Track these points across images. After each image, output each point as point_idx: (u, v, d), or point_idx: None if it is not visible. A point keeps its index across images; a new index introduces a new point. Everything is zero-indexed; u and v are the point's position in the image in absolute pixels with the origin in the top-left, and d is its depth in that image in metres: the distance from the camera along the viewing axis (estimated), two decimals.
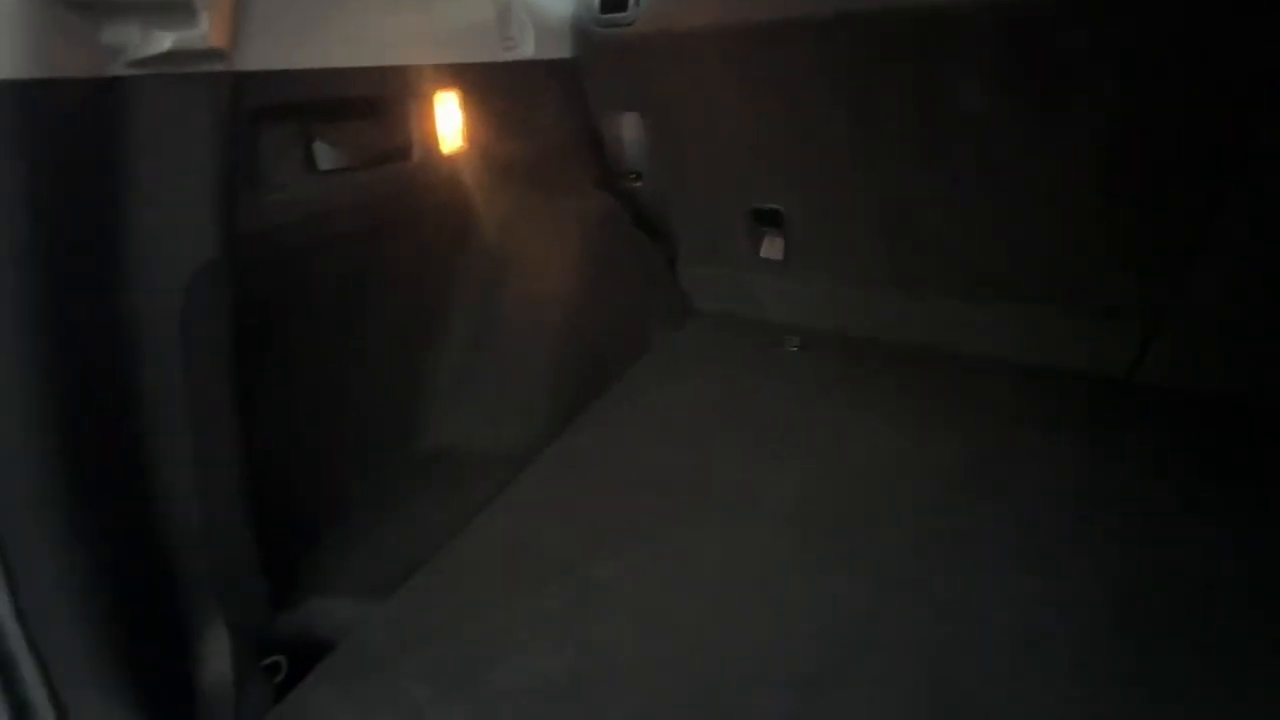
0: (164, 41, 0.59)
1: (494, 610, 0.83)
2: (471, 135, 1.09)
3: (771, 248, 1.42)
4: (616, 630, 0.79)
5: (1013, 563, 0.84)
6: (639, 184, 1.43)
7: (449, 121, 1.05)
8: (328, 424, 0.96)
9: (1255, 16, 0.76)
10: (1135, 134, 0.90)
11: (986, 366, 1.28)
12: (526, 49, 1.18)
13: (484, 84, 1.09)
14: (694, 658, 0.75)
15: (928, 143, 1.06)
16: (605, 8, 1.18)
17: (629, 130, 1.34)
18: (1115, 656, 0.71)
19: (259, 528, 0.76)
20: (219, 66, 0.67)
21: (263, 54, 0.75)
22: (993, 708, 0.67)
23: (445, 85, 1.03)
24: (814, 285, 1.44)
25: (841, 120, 1.12)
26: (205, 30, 0.62)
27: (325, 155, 0.88)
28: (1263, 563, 0.81)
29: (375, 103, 0.93)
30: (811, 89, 1.10)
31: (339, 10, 0.86)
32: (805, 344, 1.46)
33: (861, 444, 1.10)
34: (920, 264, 1.26)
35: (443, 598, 0.87)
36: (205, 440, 0.68)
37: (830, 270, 1.39)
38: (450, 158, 1.06)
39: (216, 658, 0.72)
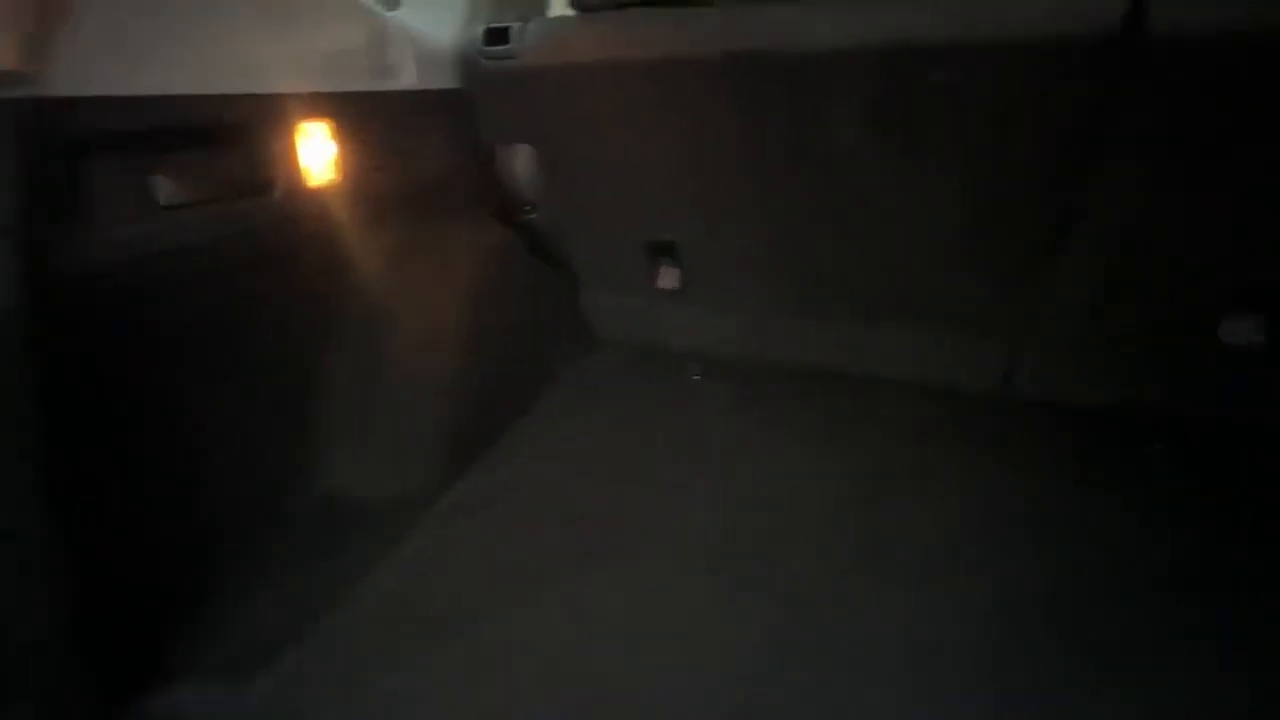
0: None
1: (376, 683, 0.76)
2: (347, 167, 1.03)
3: (668, 277, 1.43)
4: (516, 694, 0.74)
5: (921, 578, 0.88)
6: (535, 215, 1.40)
7: (319, 153, 0.98)
8: (179, 488, 0.85)
9: (1081, 78, 0.85)
10: (990, 167, 0.99)
11: (879, 385, 1.35)
12: (408, 78, 1.14)
13: (360, 113, 1.04)
14: (602, 715, 0.71)
15: (811, 174, 1.11)
16: (488, 40, 1.16)
17: (522, 162, 1.32)
18: (1016, 664, 0.74)
19: (88, 612, 0.66)
20: (20, 92, 0.59)
21: (92, 78, 0.67)
22: None
23: (314, 114, 0.96)
24: (712, 313, 1.46)
25: (731, 153, 1.15)
26: None
27: (167, 190, 0.79)
28: (1140, 567, 0.88)
29: (229, 133, 0.85)
30: (700, 123, 1.12)
31: (188, 33, 0.78)
32: (707, 371, 1.48)
33: (765, 469, 1.12)
34: (812, 289, 1.31)
35: (320, 672, 0.78)
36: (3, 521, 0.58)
37: (727, 298, 1.42)
38: (321, 191, 0.99)
39: None
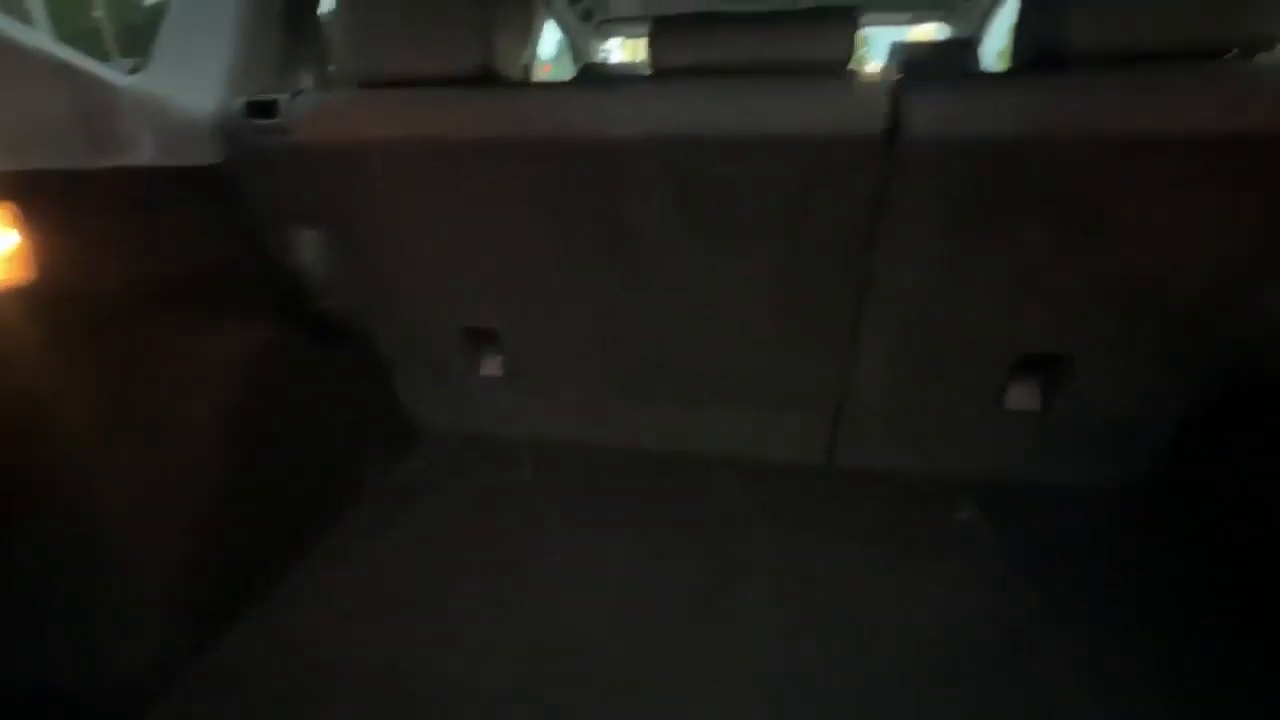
0: None
1: None
2: (54, 262, 0.81)
3: (491, 364, 1.32)
4: None
5: (762, 659, 0.88)
6: (330, 304, 1.23)
7: (6, 245, 0.76)
8: None
9: (857, 175, 0.89)
10: (788, 253, 1.01)
11: (712, 465, 1.33)
12: (147, 153, 0.95)
13: (76, 196, 0.83)
14: None
15: (624, 260, 1.08)
16: (251, 113, 1.01)
17: (310, 246, 1.15)
18: None
19: None
20: None
21: None
22: None
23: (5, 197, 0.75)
24: (539, 400, 1.37)
25: (541, 238, 1.08)
26: None
27: None
28: (968, 628, 0.89)
29: None
30: (506, 208, 1.05)
31: None
32: (537, 462, 1.37)
33: (595, 570, 1.04)
34: (639, 372, 1.26)
35: None
36: None
37: (554, 384, 1.33)
38: (16, 294, 0.77)
39: None
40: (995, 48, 2.54)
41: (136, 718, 0.81)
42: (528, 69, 2.54)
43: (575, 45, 2.81)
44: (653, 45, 0.94)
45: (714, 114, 0.89)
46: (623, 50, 3.62)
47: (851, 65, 0.91)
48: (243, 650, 0.92)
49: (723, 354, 1.17)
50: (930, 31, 2.82)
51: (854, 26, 0.89)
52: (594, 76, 1.80)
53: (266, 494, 1.08)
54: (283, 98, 1.00)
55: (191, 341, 1.01)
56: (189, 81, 1.05)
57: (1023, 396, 1.12)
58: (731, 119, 0.89)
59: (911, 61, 1.84)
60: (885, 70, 2.03)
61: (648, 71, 0.99)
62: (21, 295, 0.78)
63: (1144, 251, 0.88)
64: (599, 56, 2.96)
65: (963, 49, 1.81)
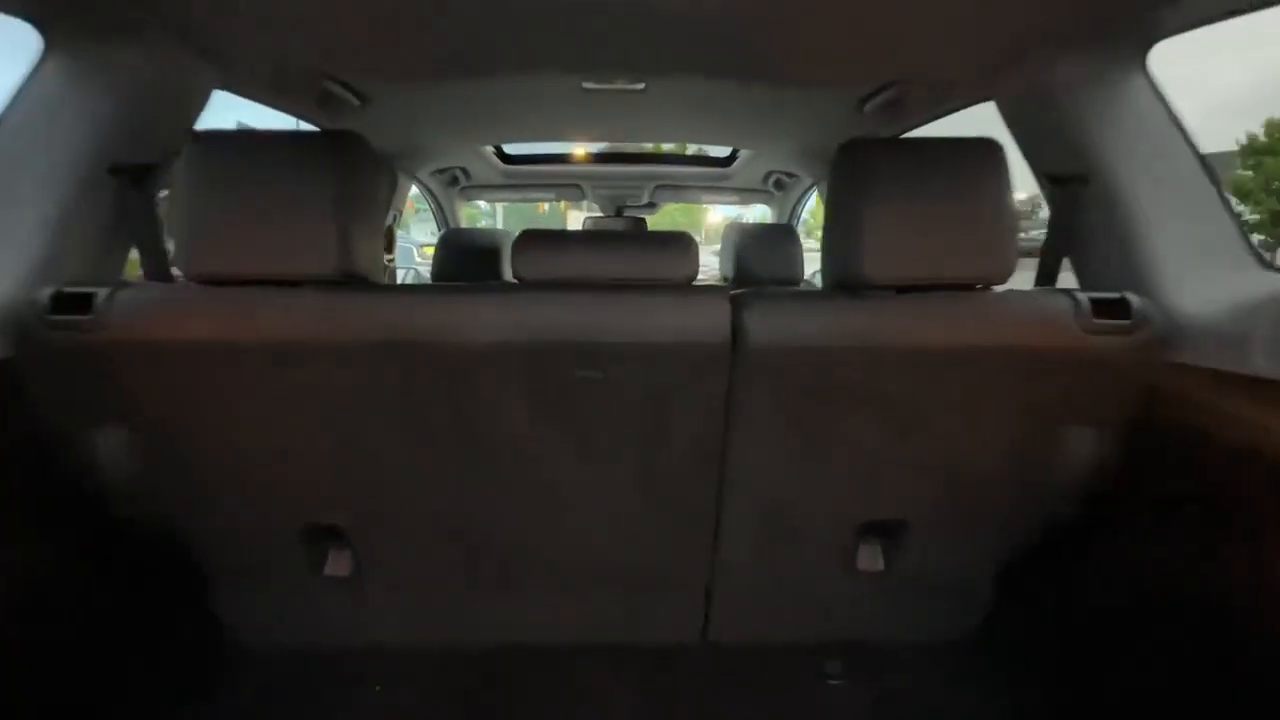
0: None
1: None
2: None
3: (337, 563, 1.17)
4: None
5: None
6: (136, 511, 1.05)
7: None
8: None
9: (706, 377, 0.97)
10: (647, 448, 1.05)
11: (587, 653, 1.25)
12: None
13: None
14: None
15: (485, 457, 1.05)
16: (60, 307, 0.90)
17: (118, 449, 0.99)
18: None
19: None
20: None
21: None
22: None
23: None
24: (392, 600, 1.23)
25: (396, 436, 1.03)
26: None
27: None
28: None
29: None
30: (362, 409, 0.99)
31: None
32: (389, 675, 1.20)
33: None
34: (503, 564, 1.20)
35: None
36: None
37: (412, 580, 1.21)
38: None
39: None
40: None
41: None
42: (389, 266, 2.56)
43: (440, 210, 2.91)
44: (515, 258, 1.00)
45: (572, 323, 0.95)
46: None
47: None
48: None
49: (591, 544, 1.15)
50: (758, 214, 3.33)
51: (696, 249, 1.02)
52: (450, 284, 1.80)
53: None
54: (100, 291, 0.90)
55: None
56: None
57: (869, 558, 1.21)
58: (589, 328, 0.95)
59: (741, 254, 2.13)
60: (723, 250, 2.34)
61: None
62: None
63: (945, 438, 1.04)
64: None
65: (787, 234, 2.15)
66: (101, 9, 0.98)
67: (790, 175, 2.55)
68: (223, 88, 1.26)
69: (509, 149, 2.63)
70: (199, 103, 1.20)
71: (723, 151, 2.64)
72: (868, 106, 1.52)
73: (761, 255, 2.10)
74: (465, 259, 2.15)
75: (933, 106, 1.49)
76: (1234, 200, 19.07)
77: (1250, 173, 18.76)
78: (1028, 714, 1.14)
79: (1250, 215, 18.75)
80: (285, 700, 1.16)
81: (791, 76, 1.41)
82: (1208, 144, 1.09)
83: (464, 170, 2.69)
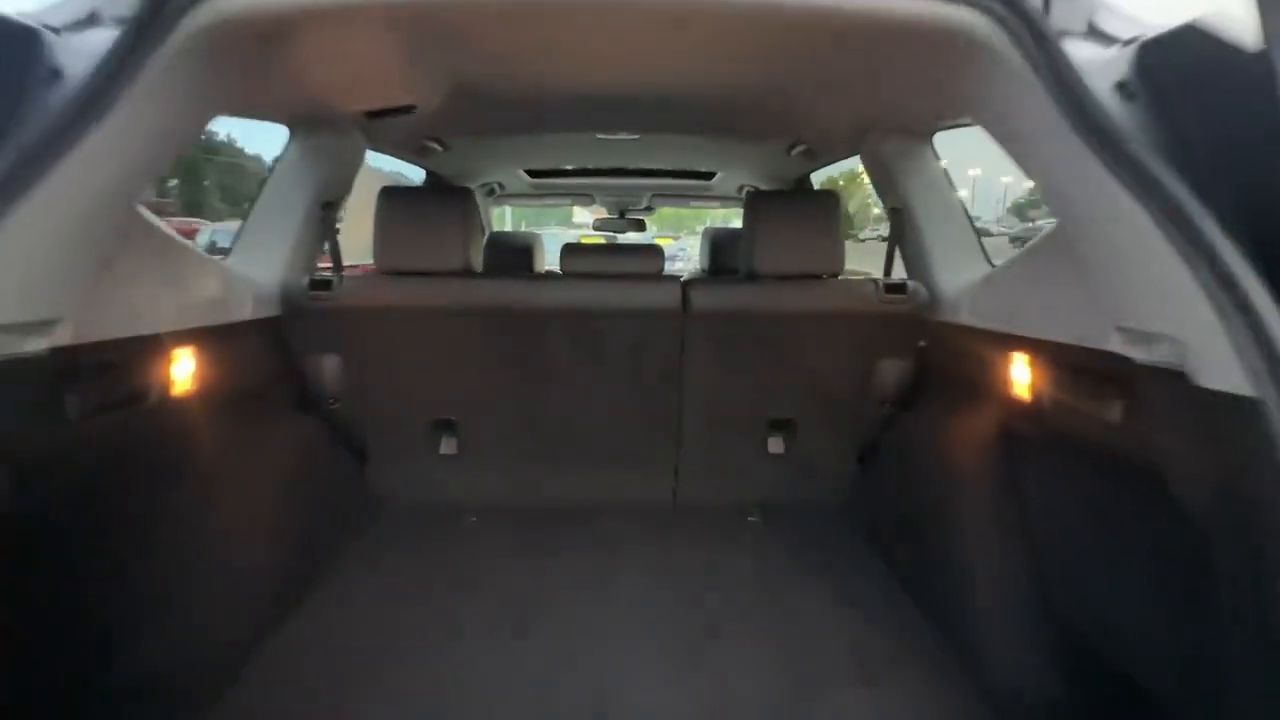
0: None
1: None
2: (200, 381, 1.35)
3: (448, 446, 1.92)
4: None
5: (641, 615, 1.48)
6: (336, 406, 1.80)
7: (184, 371, 1.31)
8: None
9: (668, 328, 1.71)
10: (637, 374, 1.77)
11: (602, 510, 1.98)
12: (243, 313, 1.53)
13: (211, 340, 1.39)
14: None
15: (540, 377, 1.79)
16: (314, 287, 1.64)
17: (329, 368, 1.74)
18: (677, 631, 1.34)
19: None
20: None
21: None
22: None
23: (180, 344, 1.30)
24: (482, 471, 1.98)
25: (490, 364, 1.77)
26: None
27: (74, 406, 1.06)
28: (753, 574, 1.59)
29: (119, 363, 1.15)
30: (469, 346, 1.74)
31: (96, 295, 1.11)
32: (479, 518, 1.94)
33: (529, 589, 1.60)
34: (550, 448, 1.94)
35: None
36: None
37: (492, 458, 1.96)
38: (183, 399, 1.30)
39: None
40: None
41: (242, 667, 1.26)
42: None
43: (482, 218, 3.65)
44: (563, 260, 1.74)
45: (593, 298, 1.69)
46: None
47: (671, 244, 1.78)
48: (290, 634, 1.39)
49: (604, 434, 1.89)
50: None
51: (662, 257, 1.76)
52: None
53: (291, 534, 1.57)
54: (335, 277, 1.64)
55: (257, 424, 1.54)
56: (262, 262, 1.65)
57: (775, 445, 1.94)
58: (603, 300, 1.68)
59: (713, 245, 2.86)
60: (700, 248, 3.06)
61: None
62: (194, 393, 1.32)
63: (812, 366, 1.76)
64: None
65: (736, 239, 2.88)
66: (319, 119, 1.70)
67: (756, 188, 3.26)
68: (369, 149, 2.00)
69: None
70: (359, 161, 1.93)
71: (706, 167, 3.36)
72: (792, 153, 2.23)
73: (726, 251, 2.82)
74: (507, 254, 2.89)
75: (828, 155, 2.21)
76: None
77: None
78: (877, 550, 1.85)
79: None
80: (412, 535, 1.89)
81: (739, 137, 2.14)
82: None
83: (500, 184, 3.42)
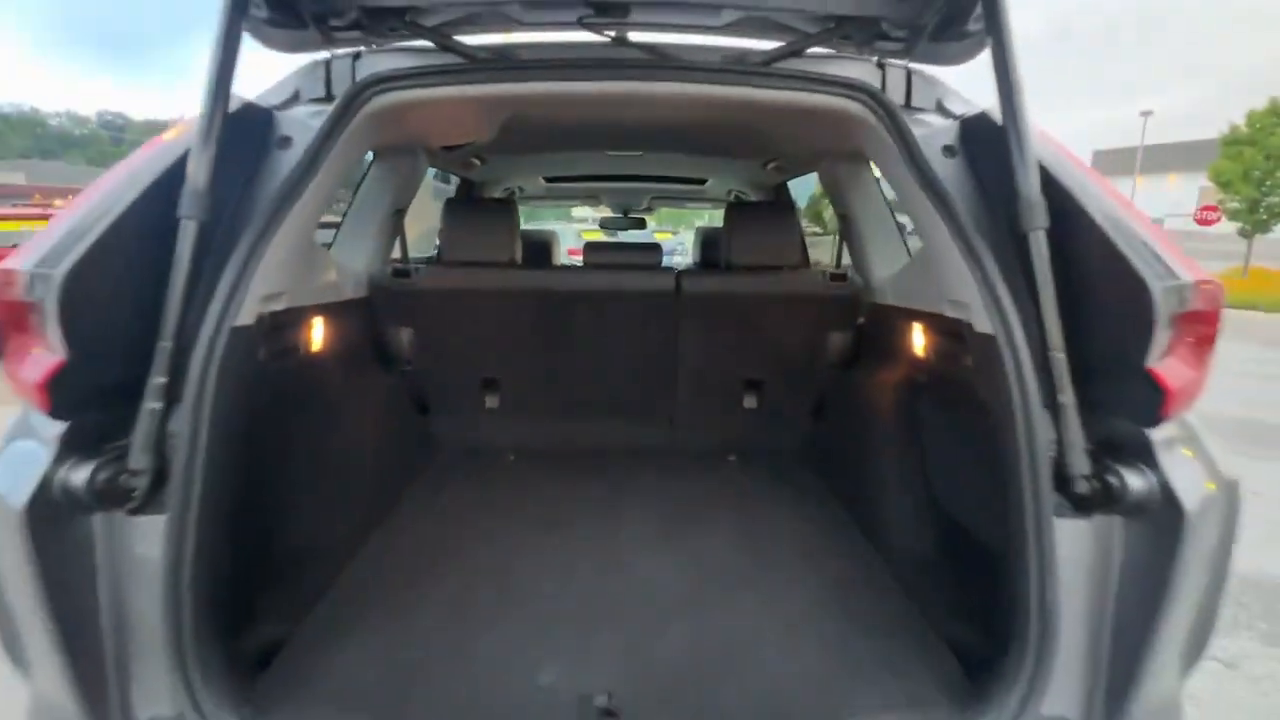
0: None
1: (373, 621, 1.54)
2: (325, 342, 1.86)
3: (492, 401, 2.44)
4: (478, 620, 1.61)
5: (651, 532, 1.99)
6: (409, 368, 2.32)
7: (319, 335, 1.82)
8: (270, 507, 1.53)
9: (665, 306, 2.23)
10: (639, 344, 2.30)
11: (613, 451, 2.51)
12: (344, 293, 2.04)
13: (330, 314, 1.90)
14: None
15: (568, 345, 2.31)
16: (397, 275, 2.15)
17: (404, 337, 2.26)
18: (677, 569, 1.87)
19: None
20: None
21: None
22: None
23: (316, 315, 1.81)
24: (518, 420, 2.50)
25: (530, 332, 2.29)
26: None
27: (261, 353, 1.57)
28: (726, 496, 2.13)
29: (282, 328, 1.66)
30: (515, 321, 2.26)
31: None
32: (516, 456, 2.47)
33: (556, 507, 2.12)
34: (575, 402, 2.46)
35: (332, 616, 1.52)
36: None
37: (526, 410, 2.48)
38: (317, 355, 1.81)
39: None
40: None
41: (360, 546, 1.78)
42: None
43: None
44: (586, 254, 2.26)
45: (608, 283, 2.21)
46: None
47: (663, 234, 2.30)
48: (384, 533, 1.91)
49: (614, 392, 2.42)
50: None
51: (660, 254, 2.28)
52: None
53: (365, 469, 2.08)
54: (414, 267, 2.16)
55: (358, 376, 2.06)
56: (358, 251, 2.16)
57: (748, 401, 2.47)
58: (615, 284, 2.20)
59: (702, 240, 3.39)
60: (693, 244, 3.59)
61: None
62: (320, 350, 1.83)
63: (776, 337, 2.28)
64: None
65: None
66: (400, 149, 2.21)
67: (741, 193, 3.78)
68: (430, 166, 2.51)
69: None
70: (422, 177, 2.44)
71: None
72: (766, 168, 2.75)
73: (712, 247, 3.34)
74: (534, 246, 3.42)
75: (794, 171, 2.73)
76: (1215, 189, 19.80)
77: (1230, 162, 19.37)
78: (823, 476, 2.38)
79: (1230, 204, 19.42)
80: (463, 468, 2.41)
81: (723, 157, 2.66)
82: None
83: (520, 187, 3.93)
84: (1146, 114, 33.88)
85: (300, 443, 1.75)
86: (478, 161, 2.73)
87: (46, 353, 1.01)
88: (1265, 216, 18.76)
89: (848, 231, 2.34)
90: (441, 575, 1.70)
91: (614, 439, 2.52)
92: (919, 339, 1.79)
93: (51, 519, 0.99)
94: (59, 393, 1.00)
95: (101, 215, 1.06)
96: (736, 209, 2.52)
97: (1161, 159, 41.05)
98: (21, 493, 0.96)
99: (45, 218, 9.25)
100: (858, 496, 2.04)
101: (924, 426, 1.82)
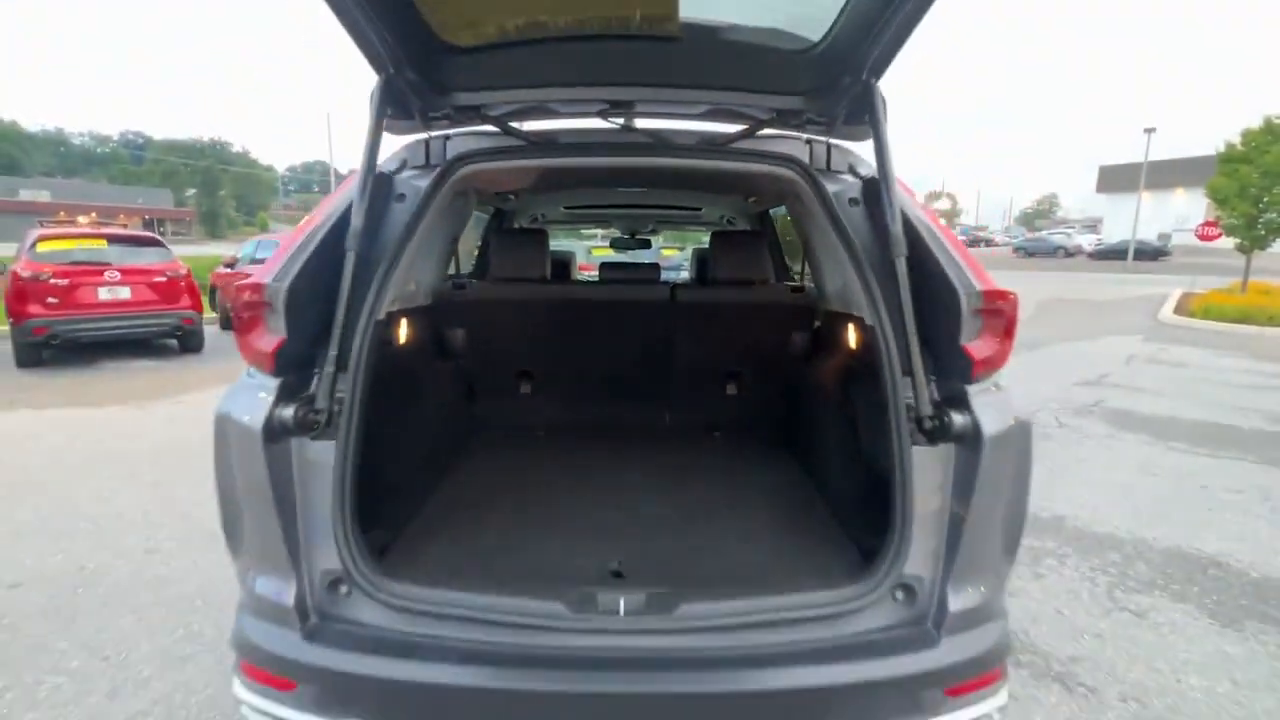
0: None
1: (459, 532, 2.16)
2: (407, 339, 2.49)
3: (526, 388, 3.07)
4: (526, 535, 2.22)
5: (651, 484, 2.60)
6: (462, 361, 2.95)
7: (406, 334, 2.44)
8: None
9: (662, 313, 2.86)
10: (642, 343, 2.92)
11: (622, 427, 3.12)
12: (419, 302, 2.67)
13: (410, 317, 2.53)
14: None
15: (584, 344, 2.93)
16: (455, 288, 2.79)
17: (459, 337, 2.89)
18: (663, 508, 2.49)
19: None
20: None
21: None
22: None
23: (404, 317, 2.44)
24: (547, 404, 3.12)
25: (558, 332, 2.92)
26: None
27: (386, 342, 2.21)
28: (714, 464, 2.74)
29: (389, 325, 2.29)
30: (547, 323, 2.89)
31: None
32: (547, 432, 3.09)
33: (577, 470, 2.74)
34: (590, 390, 3.08)
35: (430, 525, 2.14)
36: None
37: (553, 396, 3.11)
38: (404, 347, 2.44)
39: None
40: None
41: (439, 484, 2.40)
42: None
43: None
44: (601, 271, 2.90)
45: (619, 293, 2.84)
46: None
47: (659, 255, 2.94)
48: (453, 477, 2.53)
49: (622, 381, 3.03)
50: None
51: (659, 272, 2.92)
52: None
53: (437, 431, 2.70)
54: (469, 281, 2.80)
55: (428, 366, 2.69)
56: (426, 269, 2.79)
57: (730, 389, 3.07)
58: (624, 296, 2.84)
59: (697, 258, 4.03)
60: (690, 262, 4.22)
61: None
62: (405, 344, 2.46)
63: (750, 338, 2.90)
64: None
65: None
66: (453, 187, 2.86)
67: (730, 219, 4.42)
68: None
69: None
70: (471, 212, 3.09)
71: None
72: (747, 200, 3.38)
73: (703, 264, 3.97)
74: (556, 266, 4.06)
75: (769, 204, 3.35)
76: (1212, 204, 20.16)
77: (1226, 179, 19.76)
78: (787, 445, 2.96)
79: (1226, 220, 19.79)
80: (503, 442, 3.03)
81: (712, 193, 3.30)
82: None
83: (543, 215, 4.60)
84: (1150, 131, 34.21)
85: (399, 405, 2.38)
86: (512, 197, 3.38)
87: (272, 334, 1.64)
88: (1264, 232, 19.09)
89: (807, 253, 2.95)
90: (497, 503, 2.31)
91: (622, 418, 3.13)
92: (851, 335, 2.39)
93: (272, 438, 1.60)
94: (278, 360, 1.63)
95: (304, 246, 1.69)
96: (719, 236, 3.15)
97: (1171, 175, 41.24)
98: (258, 422, 1.58)
99: (97, 236, 10.07)
100: (811, 456, 2.63)
101: (852, 398, 2.42)
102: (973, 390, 1.66)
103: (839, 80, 1.80)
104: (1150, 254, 37.54)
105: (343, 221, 1.74)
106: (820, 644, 1.55)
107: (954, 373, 1.69)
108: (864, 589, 1.62)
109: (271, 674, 1.54)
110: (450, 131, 2.08)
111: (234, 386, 1.69)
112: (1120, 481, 4.89)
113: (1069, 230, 56.79)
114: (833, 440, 2.45)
